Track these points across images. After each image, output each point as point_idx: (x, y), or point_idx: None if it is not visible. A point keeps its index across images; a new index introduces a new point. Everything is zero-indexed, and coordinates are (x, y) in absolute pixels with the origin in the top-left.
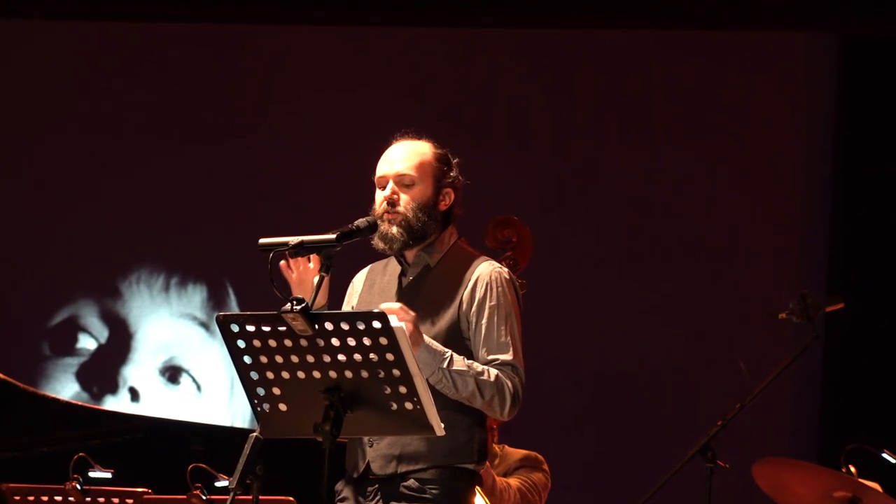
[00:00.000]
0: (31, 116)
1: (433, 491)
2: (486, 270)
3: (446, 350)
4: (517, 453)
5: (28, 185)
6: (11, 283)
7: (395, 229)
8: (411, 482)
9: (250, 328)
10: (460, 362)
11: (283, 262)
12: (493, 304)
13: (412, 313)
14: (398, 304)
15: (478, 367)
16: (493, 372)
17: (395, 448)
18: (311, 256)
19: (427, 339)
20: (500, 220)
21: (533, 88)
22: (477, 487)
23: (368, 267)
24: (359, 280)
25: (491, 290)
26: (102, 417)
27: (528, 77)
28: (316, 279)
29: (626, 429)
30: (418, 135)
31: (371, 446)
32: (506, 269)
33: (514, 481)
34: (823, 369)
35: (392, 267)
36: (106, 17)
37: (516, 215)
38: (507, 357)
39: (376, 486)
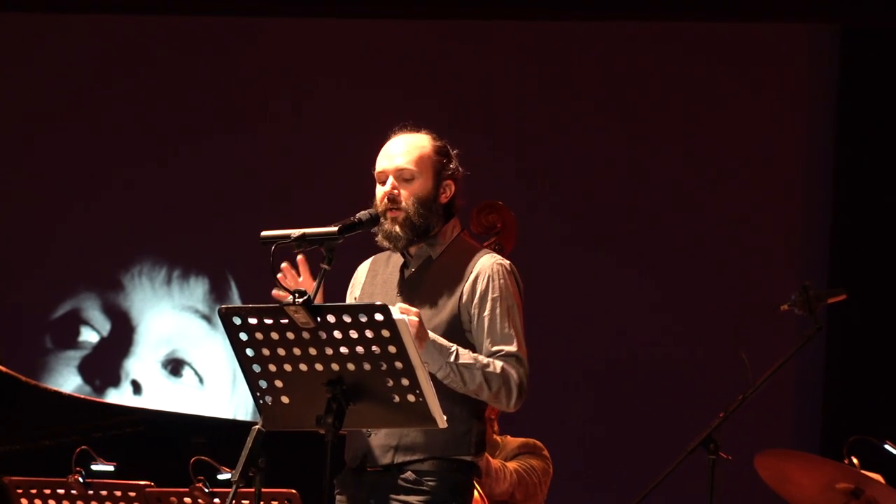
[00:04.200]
0: (34, 110)
1: (430, 483)
2: (487, 263)
3: (451, 345)
4: (516, 441)
5: (30, 178)
6: (14, 277)
7: (397, 228)
8: (409, 474)
9: (252, 321)
10: (466, 356)
11: (280, 275)
12: (495, 296)
13: (415, 309)
14: (404, 306)
15: (483, 359)
16: (499, 364)
17: (392, 438)
18: (301, 271)
19: (432, 335)
20: (485, 206)
21: (532, 81)
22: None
23: (371, 258)
24: (361, 271)
25: (493, 282)
26: (105, 410)
27: (527, 69)
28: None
29: (628, 420)
30: (416, 127)
31: (369, 437)
32: (507, 262)
33: (511, 464)
34: (825, 361)
35: (394, 259)
36: (111, 10)
37: (518, 208)
38: (511, 348)
39: (375, 477)
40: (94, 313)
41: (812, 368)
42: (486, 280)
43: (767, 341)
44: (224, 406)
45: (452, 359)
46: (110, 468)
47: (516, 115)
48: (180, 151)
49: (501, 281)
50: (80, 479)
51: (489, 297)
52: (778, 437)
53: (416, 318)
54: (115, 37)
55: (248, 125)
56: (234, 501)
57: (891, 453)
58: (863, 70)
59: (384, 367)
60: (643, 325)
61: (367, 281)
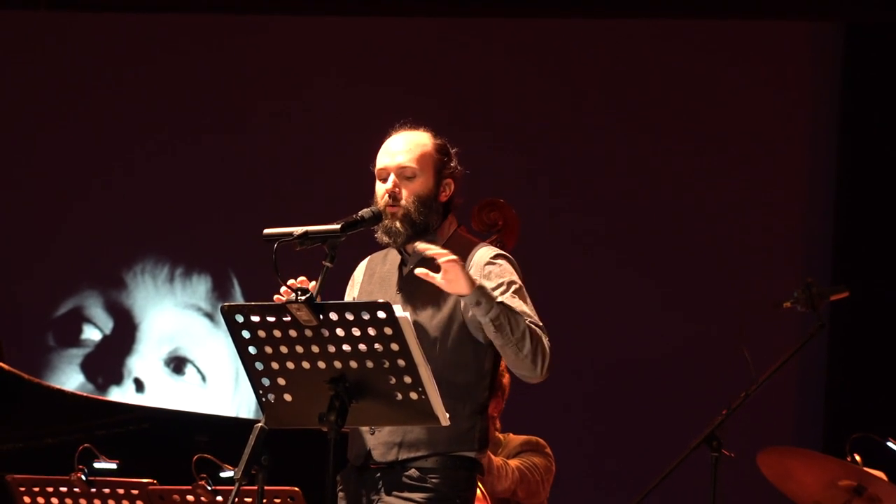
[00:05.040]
0: (36, 108)
1: (434, 480)
2: (484, 255)
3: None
4: (518, 438)
5: (32, 177)
6: (16, 275)
7: (398, 224)
8: (412, 472)
9: (255, 318)
10: (508, 300)
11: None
12: (501, 281)
13: (453, 256)
14: (439, 250)
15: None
16: (534, 325)
17: (395, 435)
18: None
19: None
20: (486, 203)
21: (532, 79)
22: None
23: (367, 258)
24: (359, 271)
25: (494, 270)
26: (107, 408)
27: (527, 67)
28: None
29: (630, 418)
30: (416, 125)
31: (372, 434)
32: (501, 250)
33: (513, 461)
34: (828, 358)
35: (392, 256)
36: (111, 9)
37: (518, 206)
38: (536, 320)
39: (378, 474)
40: (97, 311)
41: (815, 366)
42: (487, 271)
43: (770, 338)
44: (227, 404)
45: (500, 297)
46: (113, 466)
47: (517, 113)
48: (182, 149)
49: (501, 267)
50: (83, 477)
51: (496, 285)
52: (780, 434)
53: (457, 262)
54: (115, 36)
55: (248, 124)
56: (236, 499)
57: (893, 450)
58: (866, 68)
59: (387, 364)
60: (644, 322)
61: (365, 279)
